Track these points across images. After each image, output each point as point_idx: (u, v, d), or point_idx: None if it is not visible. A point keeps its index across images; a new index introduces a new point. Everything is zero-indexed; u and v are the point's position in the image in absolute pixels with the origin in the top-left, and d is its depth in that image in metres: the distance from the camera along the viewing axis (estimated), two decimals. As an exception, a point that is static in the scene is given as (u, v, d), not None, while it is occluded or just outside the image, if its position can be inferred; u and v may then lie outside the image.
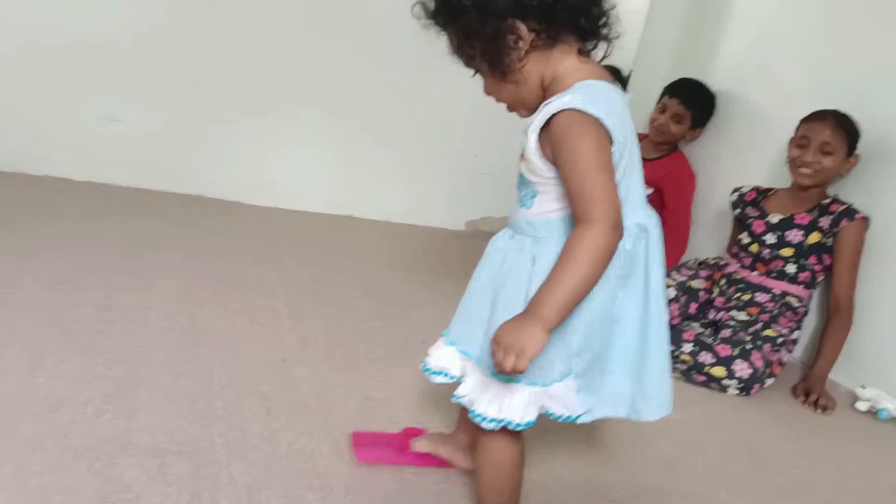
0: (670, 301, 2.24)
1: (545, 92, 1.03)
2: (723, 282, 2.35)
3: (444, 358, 1.16)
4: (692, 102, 2.79)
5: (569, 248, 0.96)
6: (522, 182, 1.07)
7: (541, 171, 1.02)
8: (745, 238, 2.35)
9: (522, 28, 0.98)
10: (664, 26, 3.13)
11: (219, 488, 1.19)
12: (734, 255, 2.39)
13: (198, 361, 1.59)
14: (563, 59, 1.02)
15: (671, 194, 2.80)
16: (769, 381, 2.09)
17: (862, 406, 2.07)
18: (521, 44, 0.99)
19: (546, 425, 1.11)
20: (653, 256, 1.05)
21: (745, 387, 2.00)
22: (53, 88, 2.58)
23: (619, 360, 1.06)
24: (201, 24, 2.65)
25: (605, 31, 1.03)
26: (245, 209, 2.83)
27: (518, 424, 1.04)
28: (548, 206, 1.04)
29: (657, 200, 2.87)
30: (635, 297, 1.04)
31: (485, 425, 1.05)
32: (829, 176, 2.20)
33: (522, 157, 1.05)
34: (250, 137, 2.84)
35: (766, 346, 2.06)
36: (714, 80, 2.86)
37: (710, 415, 1.88)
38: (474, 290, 1.13)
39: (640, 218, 1.05)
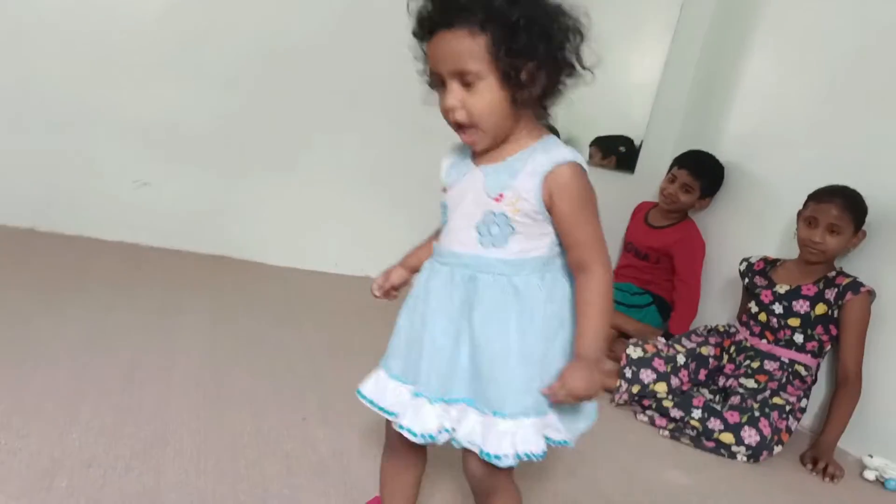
0: (679, 367, 2.29)
1: (509, 131, 1.09)
2: (732, 349, 2.40)
3: (431, 416, 1.13)
4: (701, 172, 2.88)
5: (592, 293, 1.08)
6: (494, 222, 1.09)
7: (534, 213, 1.08)
8: (753, 307, 2.40)
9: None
10: (673, 99, 3.25)
11: (242, 545, 1.25)
12: (744, 323, 2.44)
13: (222, 421, 1.66)
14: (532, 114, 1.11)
15: (681, 261, 2.87)
16: (777, 449, 2.12)
17: (870, 475, 2.09)
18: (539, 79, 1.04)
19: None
20: None
21: (754, 454, 2.04)
22: (91, 155, 2.72)
23: None
24: (224, 96, 2.80)
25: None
26: (266, 269, 2.93)
27: (538, 455, 1.08)
28: (525, 246, 1.10)
29: (667, 267, 2.94)
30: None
31: (506, 462, 1.07)
32: (837, 253, 2.26)
33: (499, 198, 1.08)
34: (271, 200, 2.96)
35: (774, 414, 2.10)
36: (723, 151, 2.96)
37: (717, 481, 1.91)
38: (439, 339, 1.13)
39: None
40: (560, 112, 1.14)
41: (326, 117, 2.92)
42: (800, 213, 2.33)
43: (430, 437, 1.13)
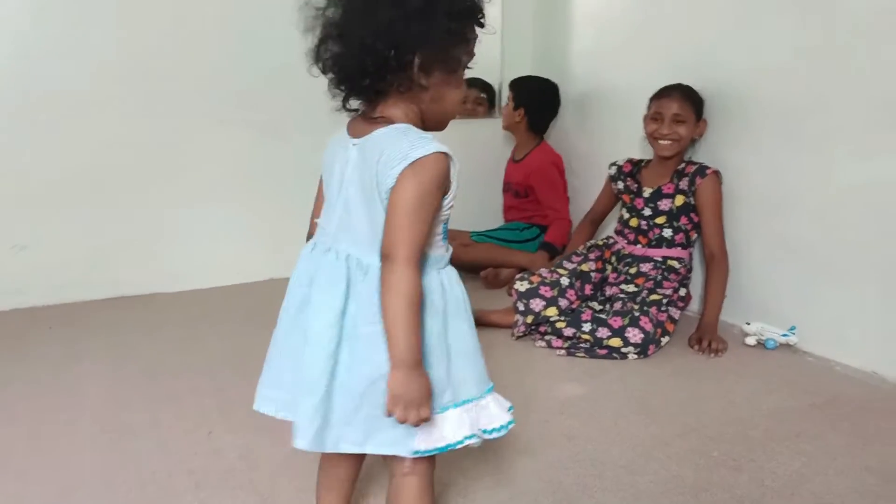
0: (565, 289, 2.42)
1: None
2: (613, 259, 2.55)
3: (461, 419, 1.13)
4: (518, 90, 3.09)
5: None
6: None
7: None
8: (625, 214, 2.55)
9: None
10: (519, 38, 3.36)
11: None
12: (619, 233, 2.58)
13: (129, 455, 1.70)
14: None
15: (541, 190, 3.04)
16: (665, 340, 2.27)
17: (751, 341, 2.26)
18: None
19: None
20: None
21: (641, 350, 2.19)
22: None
23: None
24: (66, 137, 2.78)
25: None
26: (163, 298, 2.94)
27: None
28: None
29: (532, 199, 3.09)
30: None
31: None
32: (685, 143, 2.42)
33: None
34: (155, 232, 2.95)
35: (653, 310, 2.25)
36: (574, 75, 3.11)
37: (609, 384, 2.04)
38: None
39: None
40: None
41: (188, 131, 2.92)
42: (645, 116, 2.48)
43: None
